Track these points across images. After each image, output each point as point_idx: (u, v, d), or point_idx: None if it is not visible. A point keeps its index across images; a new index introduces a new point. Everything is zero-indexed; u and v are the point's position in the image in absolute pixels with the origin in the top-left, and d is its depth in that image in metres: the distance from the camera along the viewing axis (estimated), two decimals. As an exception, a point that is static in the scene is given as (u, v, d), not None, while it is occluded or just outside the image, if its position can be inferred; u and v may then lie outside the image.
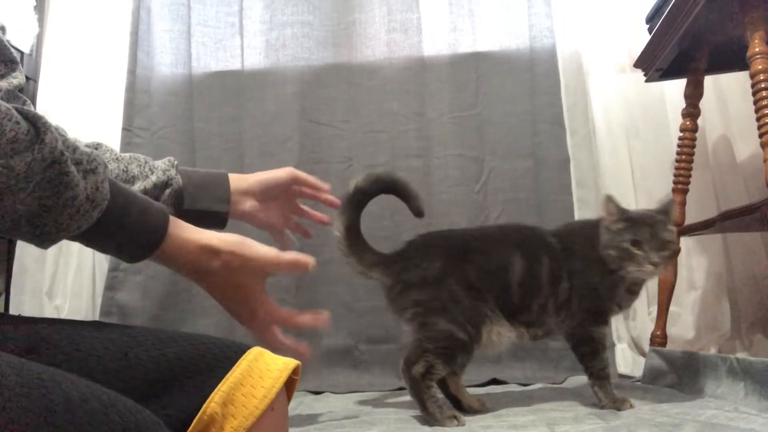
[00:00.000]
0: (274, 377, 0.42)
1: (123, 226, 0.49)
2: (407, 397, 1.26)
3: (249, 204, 0.89)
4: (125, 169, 0.78)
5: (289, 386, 0.45)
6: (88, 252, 1.59)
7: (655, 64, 1.31)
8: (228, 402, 0.40)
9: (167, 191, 0.79)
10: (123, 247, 0.51)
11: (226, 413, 0.39)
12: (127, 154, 0.82)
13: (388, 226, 1.56)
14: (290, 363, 0.45)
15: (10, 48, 0.60)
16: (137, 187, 0.77)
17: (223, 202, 0.85)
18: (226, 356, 0.42)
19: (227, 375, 0.41)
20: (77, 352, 0.39)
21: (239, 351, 0.43)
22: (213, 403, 0.39)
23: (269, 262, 0.59)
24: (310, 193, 1.00)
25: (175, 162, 0.84)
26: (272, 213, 0.94)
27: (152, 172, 0.79)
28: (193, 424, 0.38)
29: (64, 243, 1.68)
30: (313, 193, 1.01)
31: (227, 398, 0.40)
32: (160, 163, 0.82)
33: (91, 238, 0.49)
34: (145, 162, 0.81)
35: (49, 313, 1.56)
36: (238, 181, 0.88)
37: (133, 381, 0.39)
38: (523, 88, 1.61)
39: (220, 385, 0.40)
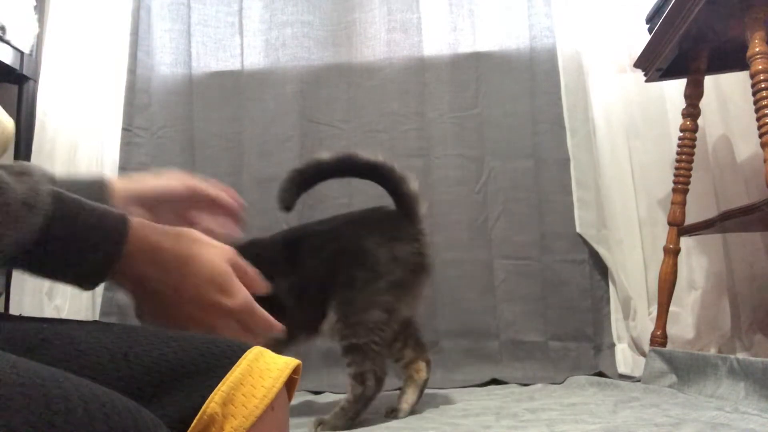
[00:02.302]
0: (274, 377, 0.42)
1: (77, 236, 0.43)
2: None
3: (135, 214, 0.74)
4: None
5: (290, 386, 0.45)
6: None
7: (655, 64, 1.31)
8: (228, 402, 0.40)
9: None
10: (79, 264, 0.43)
11: (227, 413, 0.39)
12: None
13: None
14: (291, 362, 0.44)
15: None
16: None
17: None
18: (226, 356, 0.42)
19: (227, 375, 0.41)
20: (77, 352, 0.39)
21: (239, 350, 0.43)
22: (213, 403, 0.39)
23: (213, 272, 0.47)
24: (209, 207, 0.83)
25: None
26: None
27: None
28: (193, 424, 0.38)
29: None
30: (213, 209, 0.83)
31: (227, 398, 0.40)
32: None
33: (41, 255, 0.41)
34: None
35: (49, 313, 1.56)
36: (122, 189, 0.72)
37: (133, 381, 0.39)
38: (523, 88, 1.61)
39: (220, 384, 0.40)
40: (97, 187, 0.67)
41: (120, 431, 0.32)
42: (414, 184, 1.05)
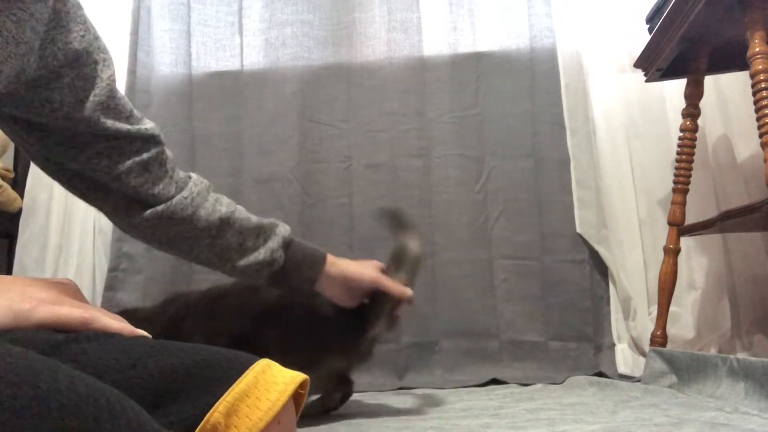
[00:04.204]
0: (280, 390, 0.42)
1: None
2: (406, 398, 1.26)
3: (329, 291, 0.92)
4: (241, 242, 0.84)
5: (297, 400, 0.45)
6: (88, 252, 1.59)
7: (655, 63, 1.31)
8: (232, 412, 0.39)
9: (267, 269, 0.86)
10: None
11: (230, 423, 0.39)
12: (251, 220, 0.86)
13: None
14: (297, 377, 0.44)
15: (126, 101, 0.72)
16: (246, 261, 0.84)
17: (309, 282, 0.90)
18: (233, 367, 0.42)
19: (233, 385, 0.41)
20: (87, 360, 0.39)
21: (247, 362, 0.43)
22: (217, 412, 0.39)
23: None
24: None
25: (287, 238, 0.88)
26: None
27: (264, 244, 0.85)
28: None
29: (64, 243, 1.66)
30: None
31: (231, 409, 0.40)
32: (272, 243, 0.86)
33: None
34: (258, 233, 0.85)
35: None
36: (330, 266, 0.91)
37: (139, 388, 0.39)
38: (523, 88, 1.62)
39: (225, 395, 0.40)
40: (319, 262, 0.90)
41: (111, 417, 0.32)
42: None
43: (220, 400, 0.39)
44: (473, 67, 1.63)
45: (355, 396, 1.33)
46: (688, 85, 1.33)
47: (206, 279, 1.31)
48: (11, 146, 1.65)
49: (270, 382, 0.42)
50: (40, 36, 0.60)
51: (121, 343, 0.43)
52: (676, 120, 1.40)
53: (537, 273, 1.53)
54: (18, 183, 1.65)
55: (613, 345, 1.50)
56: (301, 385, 0.45)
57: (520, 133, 1.60)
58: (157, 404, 0.39)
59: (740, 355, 1.11)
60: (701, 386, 1.04)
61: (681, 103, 1.35)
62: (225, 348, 0.45)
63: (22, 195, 1.62)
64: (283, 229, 0.89)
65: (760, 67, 0.99)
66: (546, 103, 1.60)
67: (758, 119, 0.99)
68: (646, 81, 1.40)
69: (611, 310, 1.52)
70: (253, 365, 0.43)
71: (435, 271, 1.54)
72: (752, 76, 1.01)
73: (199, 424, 0.38)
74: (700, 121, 1.34)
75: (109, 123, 0.68)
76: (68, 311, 0.44)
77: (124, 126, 0.70)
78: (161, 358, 0.41)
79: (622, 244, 1.51)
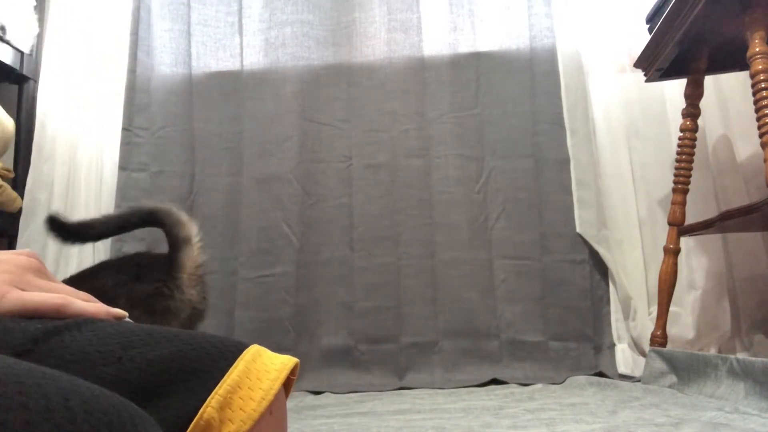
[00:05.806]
0: (272, 378, 0.41)
1: None
2: (406, 398, 1.26)
3: None
4: None
5: (287, 385, 0.45)
6: (88, 252, 1.59)
7: (655, 64, 1.31)
8: (225, 406, 0.39)
9: None
10: None
11: (224, 417, 0.38)
12: None
13: (387, 225, 1.56)
14: (288, 363, 0.44)
15: None
16: None
17: None
18: (223, 357, 0.41)
19: (224, 377, 0.40)
20: (70, 355, 0.39)
21: (236, 350, 0.42)
22: (210, 407, 0.38)
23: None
24: None
25: None
26: None
27: None
28: (189, 430, 0.38)
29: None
30: None
31: (224, 402, 0.39)
32: None
33: None
34: None
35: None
36: None
37: (128, 385, 0.38)
38: (523, 88, 1.62)
39: (216, 388, 0.39)
40: None
41: (104, 428, 0.31)
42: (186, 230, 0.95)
43: (212, 394, 0.39)
44: (473, 67, 1.63)
45: (355, 396, 1.33)
46: (688, 85, 1.33)
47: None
48: (11, 146, 1.66)
49: (261, 371, 0.41)
50: None
51: (103, 331, 0.41)
52: (676, 120, 1.40)
53: (537, 273, 1.53)
54: (18, 183, 1.65)
55: (613, 345, 1.50)
56: (292, 371, 0.44)
57: (520, 133, 1.61)
58: (147, 399, 0.38)
59: (740, 355, 1.11)
60: (701, 386, 1.04)
61: (681, 103, 1.35)
62: (211, 334, 0.44)
63: (22, 195, 1.62)
64: None
65: (760, 67, 0.99)
66: (546, 103, 1.60)
67: (758, 119, 0.99)
68: (646, 81, 1.40)
69: (611, 310, 1.52)
70: (243, 353, 0.42)
71: (435, 271, 1.54)
72: (752, 76, 1.01)
73: (192, 420, 0.38)
74: (700, 121, 1.34)
75: None
76: (38, 298, 0.42)
77: None
78: (148, 349, 0.40)
79: (622, 244, 1.51)
